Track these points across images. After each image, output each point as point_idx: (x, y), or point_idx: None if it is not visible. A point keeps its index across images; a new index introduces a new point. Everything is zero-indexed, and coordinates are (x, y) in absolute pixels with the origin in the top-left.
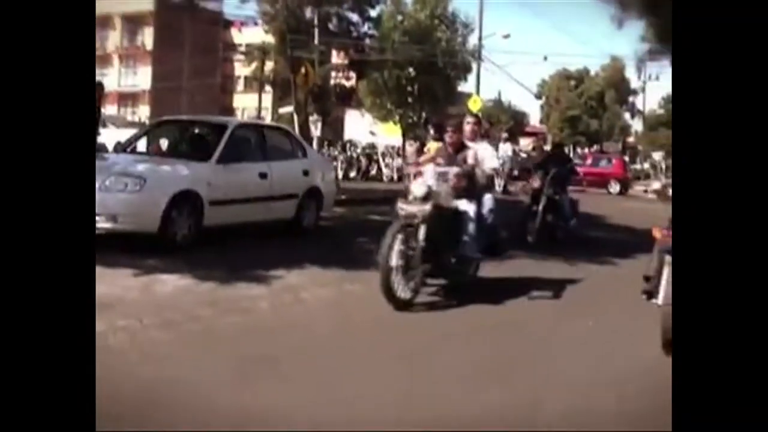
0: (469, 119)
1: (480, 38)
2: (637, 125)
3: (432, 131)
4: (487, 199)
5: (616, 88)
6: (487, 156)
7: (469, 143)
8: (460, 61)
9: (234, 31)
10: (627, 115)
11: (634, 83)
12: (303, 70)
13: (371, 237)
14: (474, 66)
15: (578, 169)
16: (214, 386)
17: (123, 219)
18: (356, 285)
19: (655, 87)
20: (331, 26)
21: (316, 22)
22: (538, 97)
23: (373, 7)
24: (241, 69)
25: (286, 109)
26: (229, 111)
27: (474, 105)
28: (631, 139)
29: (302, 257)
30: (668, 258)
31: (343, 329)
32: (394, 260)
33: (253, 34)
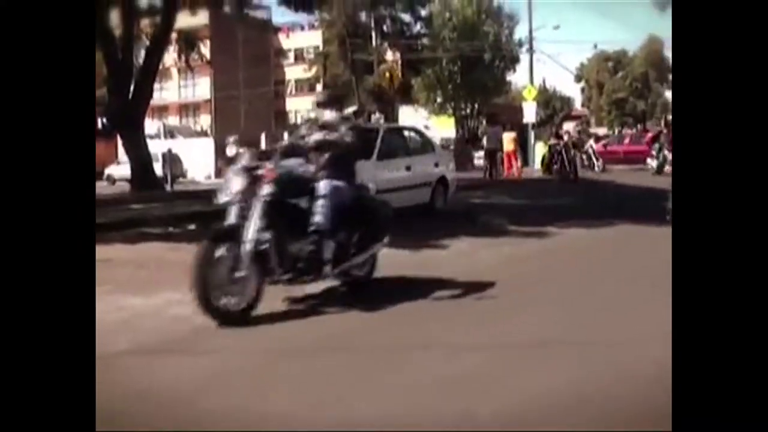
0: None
1: (530, 30)
2: None
3: (485, 121)
4: None
5: (657, 67)
6: None
7: None
8: (508, 52)
9: (282, 37)
10: (668, 93)
11: None
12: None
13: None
14: (522, 57)
15: (619, 147)
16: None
17: None
18: (509, 248)
19: None
20: (385, 28)
21: (372, 24)
22: (578, 80)
23: (423, 6)
24: (291, 73)
25: (350, 110)
26: (283, 114)
27: (529, 94)
28: (671, 117)
29: (450, 230)
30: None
31: (515, 276)
32: None
33: (300, 39)
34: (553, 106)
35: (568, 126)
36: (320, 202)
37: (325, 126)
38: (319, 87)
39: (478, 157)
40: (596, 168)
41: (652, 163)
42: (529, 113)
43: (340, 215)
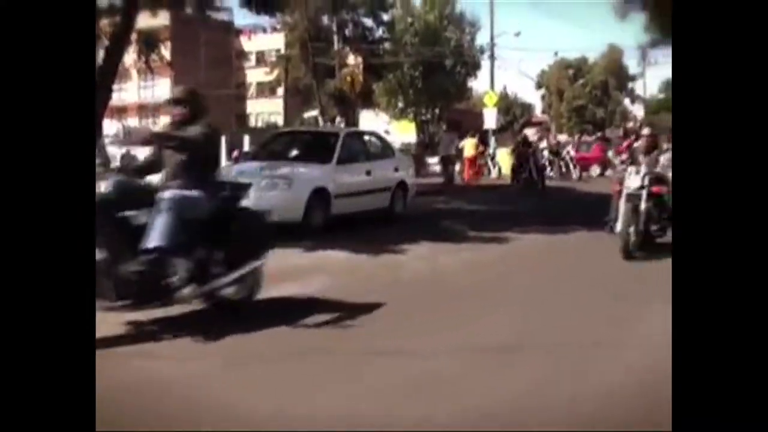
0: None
1: (492, 37)
2: (638, 111)
3: (445, 127)
4: None
5: (616, 75)
6: None
7: None
8: (470, 58)
9: (244, 39)
10: (627, 101)
11: (632, 69)
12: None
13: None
14: (483, 63)
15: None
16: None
17: (277, 212)
18: (469, 253)
19: (655, 72)
20: (347, 32)
21: (334, 28)
22: (539, 87)
23: (385, 11)
24: (253, 76)
25: (311, 113)
26: (243, 117)
27: (490, 100)
28: (630, 125)
29: (409, 235)
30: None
31: (476, 280)
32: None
33: (262, 42)
34: (513, 112)
35: (529, 132)
36: (161, 216)
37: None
38: (280, 90)
39: (435, 163)
40: (573, 176)
41: (595, 170)
42: (490, 119)
43: (192, 230)
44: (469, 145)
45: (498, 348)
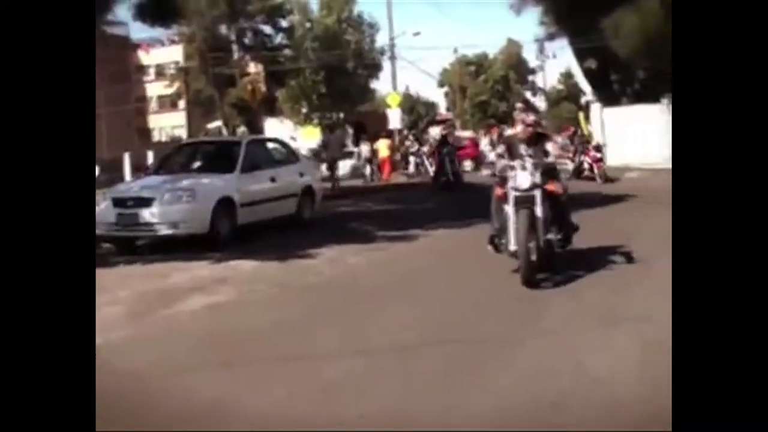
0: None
1: (391, 38)
2: (539, 103)
3: (351, 130)
4: None
5: (516, 69)
6: None
7: None
8: (371, 60)
9: (142, 53)
10: (529, 94)
11: (532, 63)
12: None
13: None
14: (384, 64)
15: None
16: (331, 309)
17: (182, 225)
18: (377, 253)
19: (553, 65)
20: (246, 41)
21: (233, 37)
22: (441, 85)
23: (284, 17)
24: (153, 89)
25: (215, 124)
26: (146, 132)
27: (393, 101)
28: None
29: (318, 239)
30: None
31: (385, 278)
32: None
33: (161, 55)
34: (417, 111)
35: (435, 130)
36: None
37: None
38: (182, 103)
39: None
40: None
41: (568, 166)
42: (394, 120)
43: None
44: (383, 146)
45: (400, 347)
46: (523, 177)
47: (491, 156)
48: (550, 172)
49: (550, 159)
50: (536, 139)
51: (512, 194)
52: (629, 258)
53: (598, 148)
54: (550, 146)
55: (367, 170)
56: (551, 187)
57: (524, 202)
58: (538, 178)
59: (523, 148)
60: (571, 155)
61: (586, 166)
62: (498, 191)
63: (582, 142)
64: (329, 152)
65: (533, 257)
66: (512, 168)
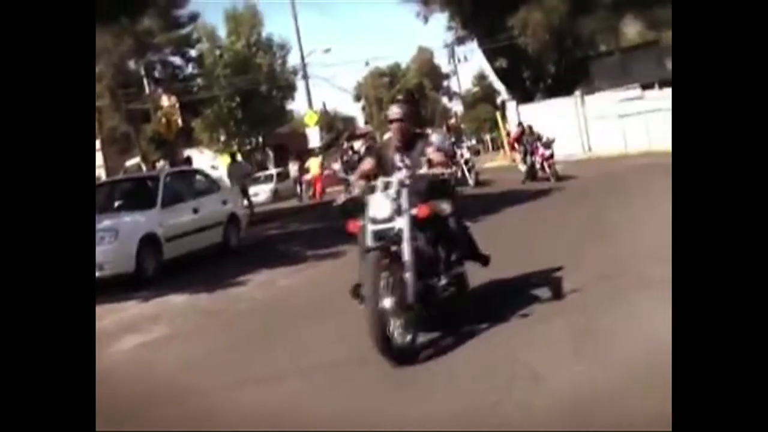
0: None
1: (302, 57)
2: (456, 106)
3: (271, 153)
4: None
5: (429, 76)
6: None
7: None
8: (284, 81)
9: None
10: (445, 99)
11: (445, 68)
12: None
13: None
14: (298, 84)
15: None
16: (265, 332)
17: (107, 266)
18: (308, 272)
19: (466, 68)
20: (156, 74)
21: (142, 72)
22: (357, 99)
23: (192, 47)
24: None
25: (133, 161)
26: None
27: (310, 120)
28: (452, 121)
29: (247, 265)
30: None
31: (316, 296)
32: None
33: None
34: (336, 127)
35: (356, 144)
36: None
37: None
38: (97, 142)
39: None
40: (470, 182)
41: (521, 167)
42: (314, 138)
43: None
44: (314, 165)
45: (332, 364)
46: (378, 202)
47: (342, 173)
48: (438, 187)
49: (437, 170)
50: (413, 142)
51: (369, 228)
52: (556, 291)
53: (547, 145)
54: (430, 151)
55: (298, 190)
56: (423, 210)
57: (382, 238)
58: (404, 201)
59: (398, 158)
60: (521, 157)
61: (538, 166)
62: (350, 225)
63: (531, 141)
64: (232, 182)
65: (391, 321)
66: (371, 189)
